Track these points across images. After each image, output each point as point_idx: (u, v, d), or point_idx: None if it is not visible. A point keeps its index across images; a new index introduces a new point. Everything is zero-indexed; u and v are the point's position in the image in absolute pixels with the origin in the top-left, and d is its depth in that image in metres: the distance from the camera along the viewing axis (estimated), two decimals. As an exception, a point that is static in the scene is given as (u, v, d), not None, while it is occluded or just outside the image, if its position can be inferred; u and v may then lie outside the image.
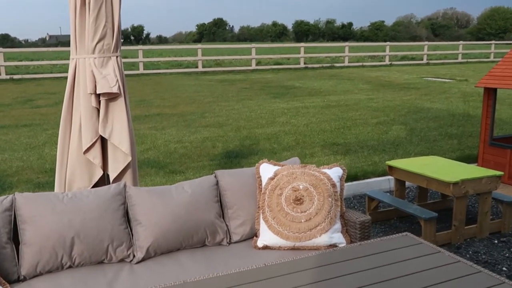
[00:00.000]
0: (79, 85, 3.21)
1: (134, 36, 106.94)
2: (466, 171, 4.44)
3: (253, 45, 23.16)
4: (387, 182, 5.79)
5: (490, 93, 6.18)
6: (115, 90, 3.14)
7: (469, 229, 4.42)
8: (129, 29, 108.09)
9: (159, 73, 20.49)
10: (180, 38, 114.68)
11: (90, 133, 3.22)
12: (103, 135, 3.19)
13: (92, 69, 3.15)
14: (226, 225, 2.99)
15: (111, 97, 3.20)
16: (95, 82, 3.14)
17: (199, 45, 22.93)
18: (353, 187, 5.63)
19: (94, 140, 3.21)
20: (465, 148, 7.20)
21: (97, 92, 3.13)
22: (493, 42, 32.52)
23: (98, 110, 3.21)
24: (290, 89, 14.70)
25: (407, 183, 5.73)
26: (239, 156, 6.73)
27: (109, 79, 3.16)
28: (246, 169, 3.18)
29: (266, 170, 3.05)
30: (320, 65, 24.15)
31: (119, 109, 3.24)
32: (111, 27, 3.19)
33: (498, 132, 8.23)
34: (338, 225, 2.88)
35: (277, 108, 10.97)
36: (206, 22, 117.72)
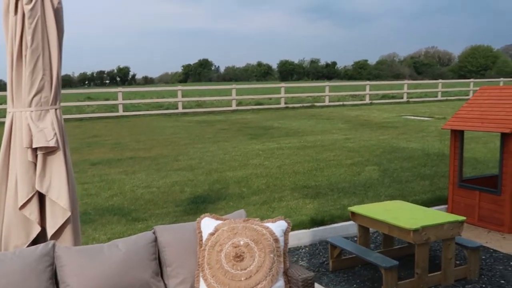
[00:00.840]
0: (15, 139, 3.09)
1: (120, 77, 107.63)
2: (428, 217, 4.34)
3: (234, 85, 23.33)
4: (355, 227, 5.66)
5: (457, 134, 6.18)
6: (52, 144, 3.03)
7: (433, 277, 4.28)
8: (115, 71, 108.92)
9: (139, 115, 20.45)
10: (166, 79, 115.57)
11: (27, 188, 3.08)
12: (40, 190, 3.05)
13: (28, 123, 3.04)
14: (165, 284, 2.83)
15: (49, 151, 3.08)
16: (31, 136, 3.03)
17: (179, 86, 23.03)
18: (319, 232, 5.49)
19: (30, 195, 3.07)
20: (436, 190, 7.14)
21: (33, 146, 3.01)
22: (471, 80, 33.16)
23: (35, 165, 3.09)
24: (268, 130, 14.69)
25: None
26: (206, 202, 6.59)
27: (46, 132, 3.05)
28: (187, 224, 3.05)
29: (207, 225, 2.92)
30: (301, 104, 24.32)
31: (57, 163, 3.11)
32: (49, 80, 3.10)
33: (472, 172, 8.20)
34: (280, 283, 2.74)
35: (252, 150, 10.90)
36: (191, 63, 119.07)
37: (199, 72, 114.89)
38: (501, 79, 34.73)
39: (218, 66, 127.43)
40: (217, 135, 13.62)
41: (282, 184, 7.56)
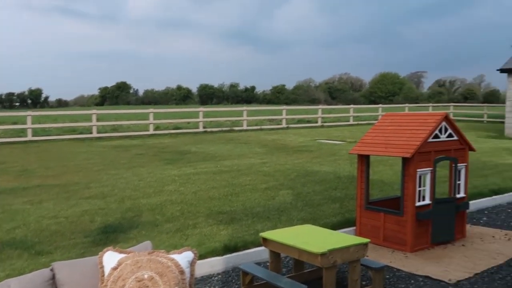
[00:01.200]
0: None
1: (32, 99, 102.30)
2: (335, 240, 4.49)
3: (151, 109, 22.99)
4: (268, 252, 5.72)
5: (363, 159, 6.48)
6: None
7: (341, 299, 4.42)
8: (26, 93, 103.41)
9: (50, 139, 19.49)
10: (81, 102, 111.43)
11: None
12: None
13: None
14: (63, 324, 2.69)
15: None
16: None
17: (94, 110, 22.29)
18: (232, 259, 5.49)
19: None
20: (345, 212, 7.41)
21: None
22: (380, 105, 35.11)
23: None
24: (186, 155, 14.58)
25: (287, 252, 5.71)
26: (117, 231, 6.37)
27: None
28: (89, 259, 2.93)
29: (110, 259, 2.82)
30: (220, 128, 24.43)
31: None
32: None
33: (379, 194, 8.60)
34: (185, 316, 2.70)
35: (168, 176, 10.74)
36: (109, 86, 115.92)
37: (116, 95, 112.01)
38: (407, 104, 37.07)
39: (137, 89, 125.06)
40: (133, 161, 13.29)
41: (197, 211, 7.50)
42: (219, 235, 6.18)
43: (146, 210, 7.55)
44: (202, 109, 25.16)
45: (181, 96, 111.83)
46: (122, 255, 2.83)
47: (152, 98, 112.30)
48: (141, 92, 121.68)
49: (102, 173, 11.11)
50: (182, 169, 11.65)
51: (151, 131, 22.03)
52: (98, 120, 21.96)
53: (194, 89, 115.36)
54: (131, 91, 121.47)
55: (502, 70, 21.76)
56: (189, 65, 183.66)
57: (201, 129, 23.67)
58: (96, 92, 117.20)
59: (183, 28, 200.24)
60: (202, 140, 19.24)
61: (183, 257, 2.85)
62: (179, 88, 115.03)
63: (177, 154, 14.67)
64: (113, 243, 5.82)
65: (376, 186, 9.22)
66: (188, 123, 25.88)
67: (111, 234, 6.23)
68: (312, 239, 4.54)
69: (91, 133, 20.94)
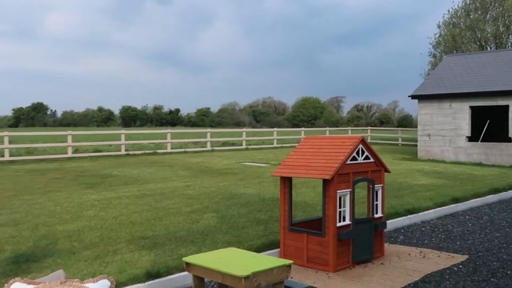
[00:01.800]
0: None
1: None
2: (258, 263, 4.47)
3: (70, 131, 22.07)
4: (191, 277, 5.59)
5: (286, 181, 6.57)
6: None
7: (265, 322, 4.39)
8: None
9: (-44, 163, 18.09)
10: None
11: None
12: None
13: None
14: None
15: None
16: None
17: (5, 132, 21.00)
18: (155, 286, 5.32)
19: None
20: (270, 234, 7.44)
21: None
22: (302, 128, 36.07)
23: None
24: (107, 178, 14.07)
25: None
26: (30, 260, 5.97)
27: None
28: (-6, 291, 2.70)
29: (18, 290, 2.62)
30: (143, 151, 23.90)
31: None
32: None
33: (302, 215, 8.73)
34: None
35: (87, 200, 10.29)
36: (24, 106, 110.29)
37: (32, 116, 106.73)
38: (327, 128, 38.37)
39: (55, 111, 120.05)
40: (49, 185, 12.61)
41: (118, 236, 7.22)
42: (141, 261, 5.97)
43: (63, 237, 7.15)
44: (124, 131, 24.52)
45: (102, 118, 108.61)
46: (31, 286, 2.64)
47: (71, 120, 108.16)
48: (59, 114, 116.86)
49: (14, 199, 10.44)
50: (103, 194, 11.22)
51: (70, 154, 21.10)
52: (10, 142, 20.74)
53: (116, 111, 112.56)
54: (48, 112, 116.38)
55: (413, 97, 23.17)
56: (111, 87, 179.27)
57: (123, 152, 23.02)
58: (9, 113, 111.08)
59: (105, 49, 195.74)
60: (124, 163, 18.69)
61: (99, 286, 2.71)
62: (100, 109, 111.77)
63: (97, 178, 14.13)
64: (25, 273, 5.44)
65: (300, 208, 9.37)
66: (110, 145, 25.08)
67: (23, 264, 5.82)
68: (236, 262, 4.50)
69: (2, 156, 19.68)
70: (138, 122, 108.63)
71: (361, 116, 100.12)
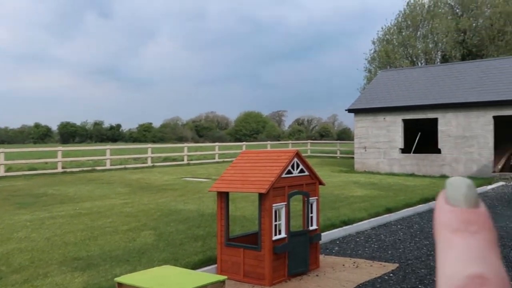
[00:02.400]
0: None
1: None
2: (192, 280, 4.48)
3: (2, 149, 21.11)
4: (126, 297, 5.50)
5: (223, 196, 6.61)
6: None
7: None
8: None
9: None
10: None
11: None
12: None
13: None
14: None
15: None
16: None
17: None
18: (87, 308, 5.18)
19: None
20: (207, 250, 7.44)
21: None
22: (244, 143, 36.30)
23: None
24: (41, 197, 13.56)
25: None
26: (-48, 288, 5.66)
27: None
28: None
29: None
30: (81, 168, 23.21)
31: None
32: None
33: (241, 230, 8.78)
34: None
35: (19, 221, 9.87)
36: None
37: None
38: (269, 142, 38.84)
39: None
40: (-23, 207, 11.99)
41: (50, 258, 6.98)
42: (73, 284, 5.81)
43: (-11, 261, 6.83)
44: (61, 148, 23.74)
45: (39, 135, 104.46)
46: None
47: (6, 137, 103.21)
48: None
49: None
50: (36, 214, 10.80)
51: (2, 173, 20.15)
52: None
53: (54, 127, 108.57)
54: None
55: (349, 110, 23.95)
56: (49, 102, 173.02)
57: (59, 169, 22.26)
58: None
59: (42, 63, 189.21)
60: (60, 182, 18.07)
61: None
62: (37, 126, 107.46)
63: (30, 197, 13.58)
64: None
65: (239, 222, 9.42)
66: (46, 163, 24.17)
67: None
68: (170, 280, 4.49)
69: None
70: (78, 138, 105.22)
71: (302, 130, 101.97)
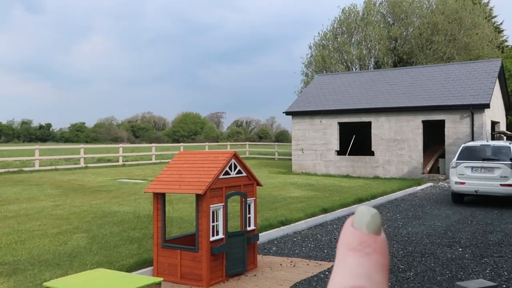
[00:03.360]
0: None
1: None
2: (127, 282, 4.33)
3: None
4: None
5: (159, 197, 6.46)
6: None
7: None
8: None
9: None
10: None
11: None
12: None
13: None
14: None
15: None
16: None
17: None
18: (12, 316, 4.88)
19: None
20: (143, 252, 7.25)
21: None
22: (182, 144, 35.89)
23: None
24: (-38, 200, 12.71)
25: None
26: None
27: None
28: None
29: None
30: (7, 169, 21.99)
31: None
32: None
33: (178, 231, 8.64)
34: None
35: None
36: None
37: None
38: (207, 143, 38.63)
39: None
40: None
41: (-29, 264, 6.53)
42: (-3, 290, 5.46)
43: None
44: (-15, 148, 22.40)
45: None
46: None
47: None
48: None
49: None
50: (-45, 217, 10.10)
51: None
52: None
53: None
54: None
55: (287, 113, 24.29)
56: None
57: (-17, 170, 20.98)
58: None
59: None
60: (-16, 183, 17.02)
61: None
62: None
63: (-50, 200, 12.69)
64: None
65: (176, 224, 9.27)
66: (-33, 164, 22.75)
67: None
68: (103, 284, 4.31)
69: None
70: (3, 138, 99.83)
71: (240, 132, 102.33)
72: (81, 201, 12.67)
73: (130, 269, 6.39)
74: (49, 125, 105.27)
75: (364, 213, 0.49)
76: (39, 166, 23.39)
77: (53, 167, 23.94)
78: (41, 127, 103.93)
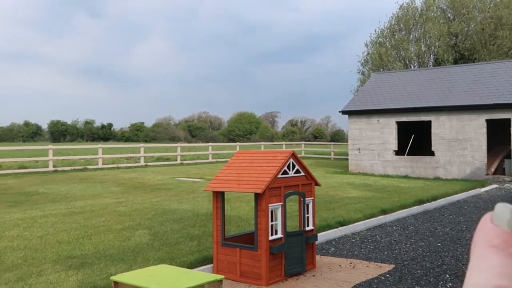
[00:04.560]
0: None
1: None
2: (189, 279, 4.42)
3: (-7, 147, 20.92)
4: (121, 296, 5.43)
5: (218, 195, 6.57)
6: None
7: None
8: None
9: None
10: None
11: None
12: None
13: None
14: None
15: None
16: None
17: None
18: (82, 307, 5.11)
19: None
20: (203, 249, 7.39)
21: None
22: (238, 143, 36.24)
23: None
24: (32, 196, 13.42)
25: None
26: None
27: None
28: None
29: None
30: (72, 167, 23.04)
31: None
32: None
33: (236, 230, 8.73)
34: None
35: (10, 220, 9.76)
36: None
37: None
38: (262, 142, 38.78)
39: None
40: (-32, 204, 11.85)
41: (43, 257, 6.89)
42: (68, 282, 5.73)
43: (-19, 259, 6.73)
44: (52, 146, 23.54)
45: (29, 133, 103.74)
46: None
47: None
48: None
49: None
50: (27, 212, 10.68)
51: (-8, 171, 19.96)
52: None
53: (44, 125, 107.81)
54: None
55: (343, 112, 23.98)
56: (39, 101, 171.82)
57: (51, 168, 22.08)
58: None
59: (32, 61, 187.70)
60: (51, 180, 17.92)
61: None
62: (26, 124, 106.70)
63: (21, 196, 13.44)
64: None
65: (234, 222, 9.38)
66: (37, 161, 23.99)
67: None
68: (166, 279, 4.43)
69: None
70: (68, 137, 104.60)
71: (295, 131, 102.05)
72: (142, 198, 13.07)
73: (191, 265, 6.52)
74: (110, 125, 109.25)
75: (504, 210, 0.47)
76: (102, 164, 24.33)
77: (115, 165, 24.83)
78: (103, 126, 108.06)
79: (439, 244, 8.34)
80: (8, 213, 10.60)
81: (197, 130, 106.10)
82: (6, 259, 6.73)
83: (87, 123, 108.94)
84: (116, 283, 4.53)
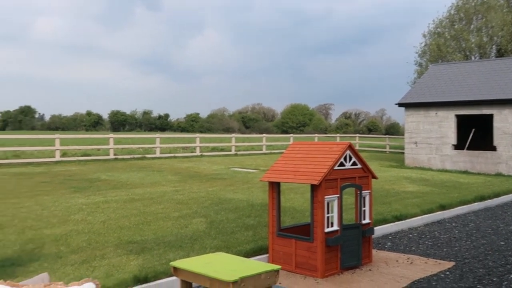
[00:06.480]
0: None
1: None
2: (247, 267, 4.48)
3: (58, 135, 21.92)
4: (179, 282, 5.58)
5: (274, 186, 6.60)
6: None
7: (253, 327, 4.39)
8: None
9: None
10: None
11: None
12: None
13: None
14: None
15: None
16: None
17: (-7, 135, 20.83)
18: (142, 291, 5.30)
19: None
20: (259, 239, 7.45)
21: None
22: (291, 135, 36.19)
23: None
24: (95, 182, 14.00)
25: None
26: (15, 264, 5.92)
27: None
28: (-19, 293, 2.69)
29: (6, 292, 2.61)
30: (132, 156, 23.81)
31: None
32: None
33: (290, 221, 8.75)
34: None
35: (75, 204, 10.23)
36: (11, 109, 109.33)
37: (20, 119, 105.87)
38: (316, 134, 38.51)
39: (43, 114, 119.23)
40: (36, 189, 12.51)
41: (106, 241, 7.19)
42: (129, 266, 5.95)
43: (49, 241, 7.10)
44: (113, 135, 24.40)
45: (91, 122, 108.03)
46: (19, 289, 2.63)
47: (60, 124, 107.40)
48: (47, 117, 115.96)
49: (0, 202, 10.34)
50: (91, 198, 11.15)
51: (58, 158, 20.95)
52: (-3, 145, 20.53)
53: (105, 115, 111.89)
54: (37, 115, 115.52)
55: (400, 105, 23.38)
56: (99, 91, 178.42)
57: (111, 156, 22.91)
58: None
59: (93, 53, 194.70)
60: (112, 168, 18.60)
61: (87, 289, 2.70)
62: (88, 114, 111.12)
63: (85, 182, 14.04)
64: (10, 277, 5.40)
65: (288, 213, 9.40)
66: (98, 149, 24.97)
67: (8, 268, 5.77)
68: (224, 267, 4.51)
69: (-11, 159, 19.50)
70: (127, 126, 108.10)
71: (349, 124, 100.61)
72: (198, 187, 13.33)
73: (246, 254, 6.60)
74: (167, 115, 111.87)
75: None
76: (160, 153, 25.00)
77: (172, 154, 25.44)
78: (160, 117, 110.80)
79: (502, 243, 8.02)
80: (73, 198, 11.10)
81: (251, 121, 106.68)
82: (72, 242, 7.07)
83: (145, 113, 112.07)
84: (175, 268, 4.66)
